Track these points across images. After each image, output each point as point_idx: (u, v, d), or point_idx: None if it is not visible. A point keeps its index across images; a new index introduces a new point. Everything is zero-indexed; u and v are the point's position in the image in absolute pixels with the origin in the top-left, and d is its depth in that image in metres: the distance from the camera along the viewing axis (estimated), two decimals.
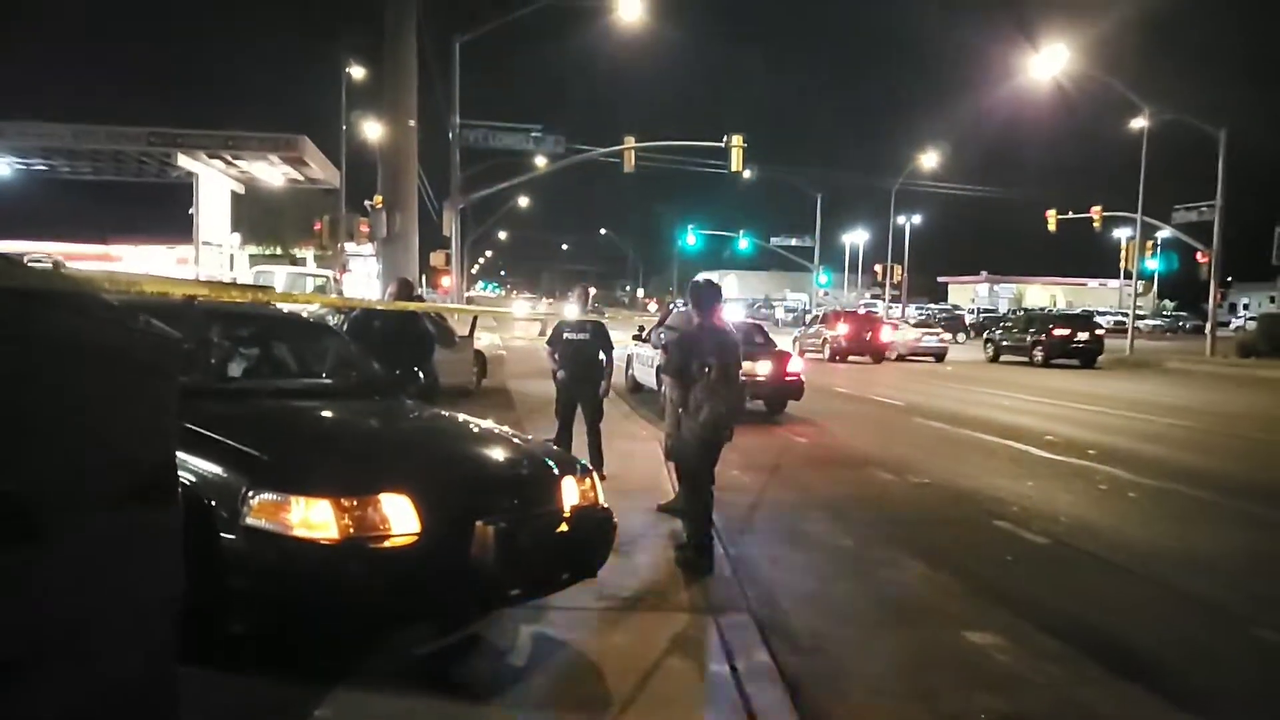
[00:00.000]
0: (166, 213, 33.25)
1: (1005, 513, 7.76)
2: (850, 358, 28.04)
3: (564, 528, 4.21)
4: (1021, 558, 6.57)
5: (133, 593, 2.05)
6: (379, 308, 7.43)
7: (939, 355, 30.01)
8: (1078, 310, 47.05)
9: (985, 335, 34.75)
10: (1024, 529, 7.22)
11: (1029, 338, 29.26)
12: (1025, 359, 28.56)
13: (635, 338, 15.09)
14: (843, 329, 28.83)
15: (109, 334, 1.92)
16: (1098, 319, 36.16)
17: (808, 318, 38.91)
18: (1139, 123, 32.44)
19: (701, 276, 7.36)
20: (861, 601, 5.50)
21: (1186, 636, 5.06)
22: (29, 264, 2.02)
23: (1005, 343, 30.58)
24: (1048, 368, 27.31)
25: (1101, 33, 30.81)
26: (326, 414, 4.83)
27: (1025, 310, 48.46)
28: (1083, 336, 28.56)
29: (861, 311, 37.39)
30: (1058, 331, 28.66)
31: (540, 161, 30.95)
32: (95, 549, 1.87)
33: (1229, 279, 46.01)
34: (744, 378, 12.95)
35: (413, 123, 16.50)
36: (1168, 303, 70.95)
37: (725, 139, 28.23)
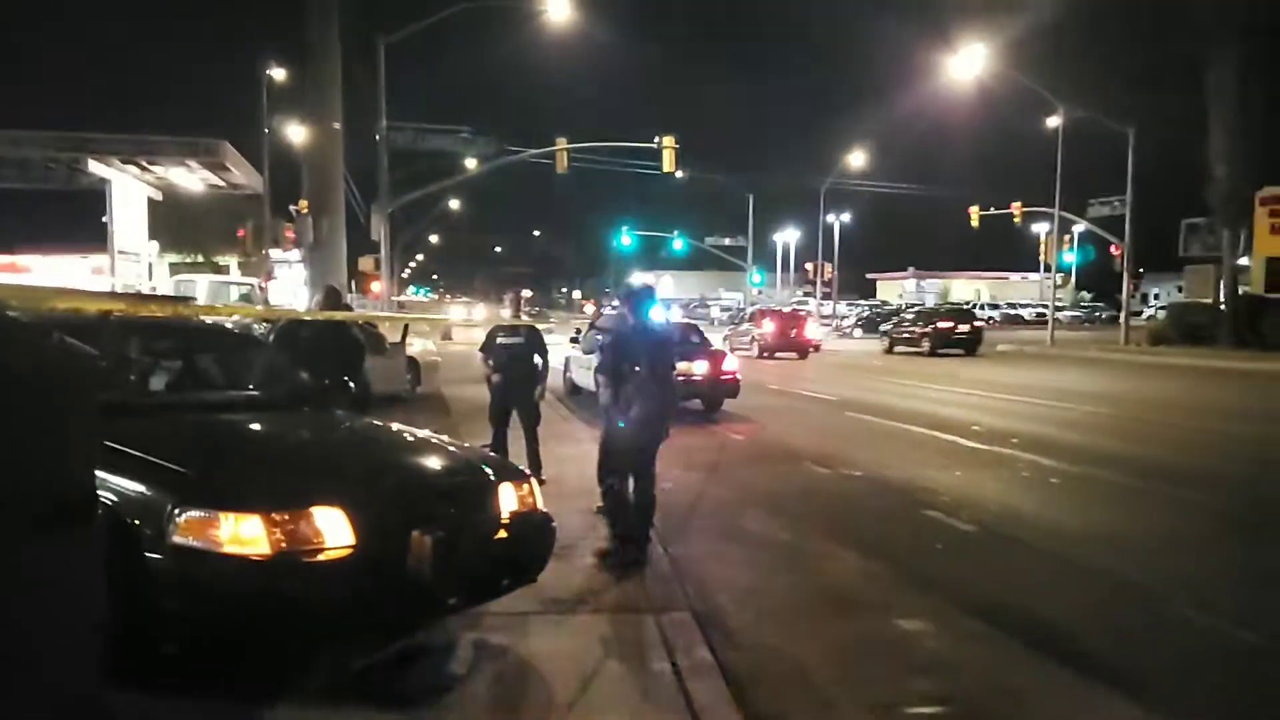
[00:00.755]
0: (78, 221, 32.01)
1: (935, 502, 7.96)
2: (778, 354, 28.82)
3: (502, 534, 4.21)
4: (950, 546, 6.75)
5: (54, 619, 1.99)
6: (306, 317, 7.30)
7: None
8: (970, 305, 48.87)
9: (881, 329, 38.87)
10: (953, 517, 7.42)
11: (918, 330, 31.94)
12: (916, 349, 31.24)
13: (573, 340, 15.08)
14: (770, 326, 29.79)
15: (19, 354, 1.85)
16: (1011, 310, 38.36)
17: (737, 316, 39.65)
18: (1054, 121, 33.58)
19: (637, 277, 7.46)
20: (799, 594, 5.60)
21: (1112, 617, 5.27)
22: None
23: (899, 335, 33.08)
24: (937, 357, 29.45)
25: (1018, 34, 31.70)
26: (254, 427, 4.73)
27: (914, 306, 50.04)
28: (964, 329, 31.22)
29: (788, 310, 38.02)
30: (942, 324, 31.43)
31: (471, 163, 30.68)
32: (12, 576, 1.81)
33: (1141, 270, 47.82)
34: (680, 377, 13.24)
35: (338, 125, 16.20)
36: (1085, 294, 73.41)
37: (657, 140, 28.38)
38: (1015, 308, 66.74)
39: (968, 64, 29.30)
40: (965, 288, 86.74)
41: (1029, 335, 41.47)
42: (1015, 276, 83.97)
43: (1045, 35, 32.87)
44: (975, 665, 4.50)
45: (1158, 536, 7.14)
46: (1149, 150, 32.57)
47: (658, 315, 6.78)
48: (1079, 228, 40.13)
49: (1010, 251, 70.84)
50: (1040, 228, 46.21)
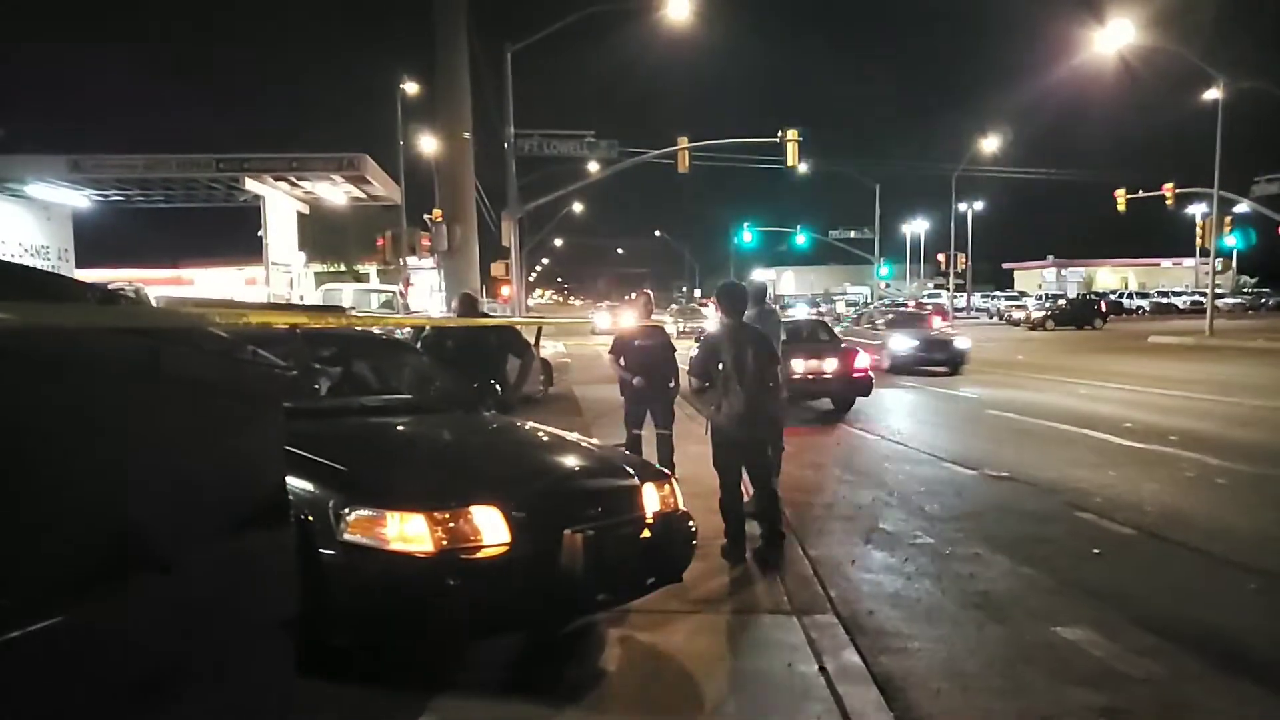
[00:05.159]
0: (235, 235, 34.31)
1: (1088, 504, 7.58)
2: None
3: (647, 534, 4.27)
4: (1109, 550, 6.40)
5: (257, 613, 2.14)
6: (451, 324, 7.57)
7: None
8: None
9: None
10: (1109, 520, 7.05)
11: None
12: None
13: (697, 340, 15.09)
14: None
15: (223, 368, 2.01)
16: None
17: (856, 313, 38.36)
18: (1212, 94, 31.31)
19: (757, 274, 7.45)
20: (946, 599, 5.43)
21: None
22: (146, 300, 2.13)
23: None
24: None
25: (1168, 1, 29.71)
26: (413, 430, 4.95)
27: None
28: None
29: (912, 305, 36.68)
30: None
31: (594, 167, 31.13)
32: (220, 574, 1.97)
33: None
34: (810, 375, 13.08)
35: (468, 135, 16.77)
36: (1247, 279, 68.17)
37: (780, 134, 27.97)
38: (1167, 295, 62.68)
39: (1113, 38, 27.60)
40: (1111, 275, 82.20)
41: (1184, 325, 38.85)
42: (1167, 262, 78.92)
43: (1200, 2, 30.69)
44: (1143, 677, 4.25)
45: None
46: None
47: (757, 314, 6.82)
48: (1240, 208, 37.29)
49: (1161, 236, 66.73)
50: (1196, 209, 43.23)
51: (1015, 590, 5.59)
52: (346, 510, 3.59)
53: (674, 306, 48.27)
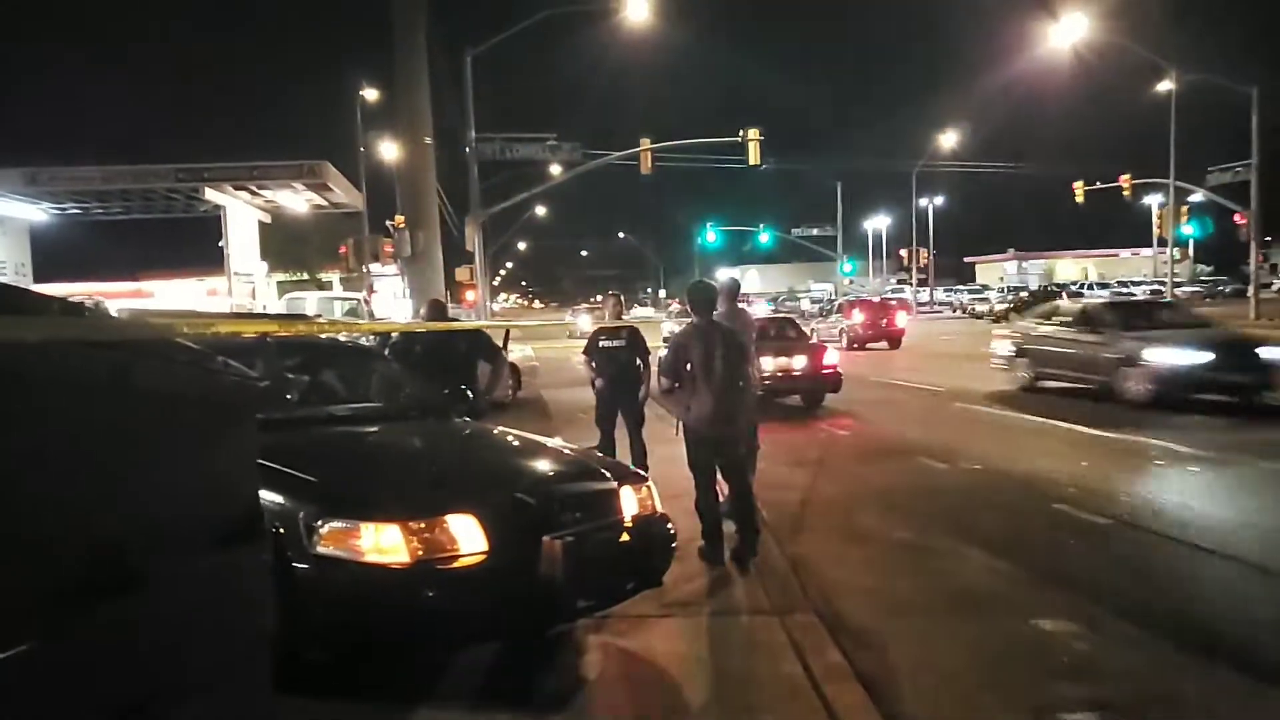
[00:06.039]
0: (195, 246, 33.83)
1: (1062, 495, 7.62)
2: (868, 345, 28.22)
3: (626, 537, 4.21)
4: (1084, 540, 6.45)
5: (232, 630, 2.06)
6: (420, 330, 7.47)
7: None
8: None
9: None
10: (1084, 510, 7.09)
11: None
12: None
13: (665, 340, 15.07)
14: (859, 317, 29.16)
15: (194, 379, 1.93)
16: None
17: (827, 308, 38.44)
18: (1165, 86, 31.90)
19: (721, 273, 7.43)
20: (926, 594, 5.42)
21: (1270, 615, 4.93)
22: (109, 313, 2.03)
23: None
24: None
25: None
26: (385, 438, 4.85)
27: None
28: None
29: (877, 300, 36.92)
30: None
31: (556, 170, 30.98)
32: (195, 591, 1.88)
33: (1269, 239, 45.07)
34: (779, 373, 13.09)
35: (429, 140, 16.61)
36: (1203, 268, 69.54)
37: (741, 133, 28.05)
38: (1126, 285, 63.82)
39: (1066, 32, 28.00)
40: (1071, 267, 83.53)
41: None
42: (1125, 253, 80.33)
43: None
44: (1126, 668, 4.27)
45: None
46: (1273, 111, 30.61)
47: (727, 311, 6.79)
48: (1195, 197, 38.01)
49: (1119, 227, 67.90)
50: (1152, 200, 44.05)
51: (994, 584, 5.59)
52: (319, 522, 3.49)
53: (673, 306, 47.84)
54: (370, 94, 29.53)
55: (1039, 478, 8.39)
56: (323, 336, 5.96)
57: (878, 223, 70.06)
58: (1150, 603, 5.07)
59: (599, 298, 12.82)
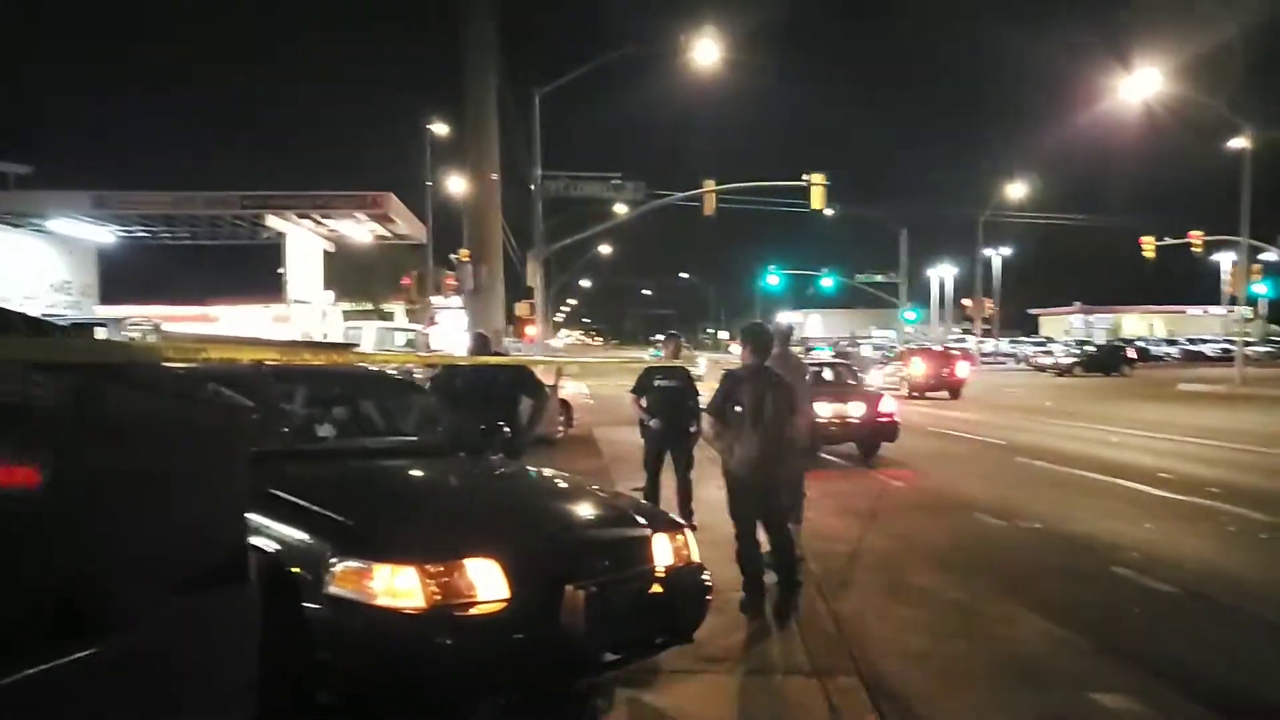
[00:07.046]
0: (261, 273, 34.62)
1: (1125, 559, 7.21)
2: (928, 394, 27.68)
3: (657, 588, 4.02)
4: (1148, 609, 6.06)
5: (212, 673, 1.94)
6: (463, 363, 7.41)
7: None
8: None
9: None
10: (1148, 576, 6.67)
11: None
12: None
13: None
14: (920, 366, 28.72)
15: (171, 408, 1.82)
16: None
17: (885, 355, 37.78)
18: (1239, 143, 30.95)
19: (782, 316, 7.28)
20: (977, 660, 5.11)
21: None
22: (88, 333, 1.95)
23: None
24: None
25: (1195, 51, 29.48)
26: (411, 474, 4.74)
27: None
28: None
29: (939, 348, 36.18)
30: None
31: (620, 209, 31.15)
32: (170, 635, 1.76)
33: None
34: (835, 420, 12.77)
35: (495, 176, 16.79)
36: (1274, 327, 66.94)
37: (805, 177, 27.93)
38: (1196, 343, 61.72)
39: (1139, 86, 27.44)
40: (1138, 322, 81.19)
41: (1214, 372, 38.06)
42: (1194, 310, 77.81)
43: (1226, 51, 30.45)
44: None
45: None
46: None
47: (780, 355, 6.63)
48: (1268, 255, 36.72)
49: (1188, 283, 65.84)
50: (1223, 257, 42.62)
51: (1050, 652, 5.25)
52: (333, 561, 3.37)
53: (733, 348, 47.72)
54: (440, 128, 30.16)
55: (1099, 540, 7.97)
56: (359, 366, 5.91)
57: (942, 271, 68.95)
58: (1217, 679, 4.70)
59: (659, 337, 12.78)
